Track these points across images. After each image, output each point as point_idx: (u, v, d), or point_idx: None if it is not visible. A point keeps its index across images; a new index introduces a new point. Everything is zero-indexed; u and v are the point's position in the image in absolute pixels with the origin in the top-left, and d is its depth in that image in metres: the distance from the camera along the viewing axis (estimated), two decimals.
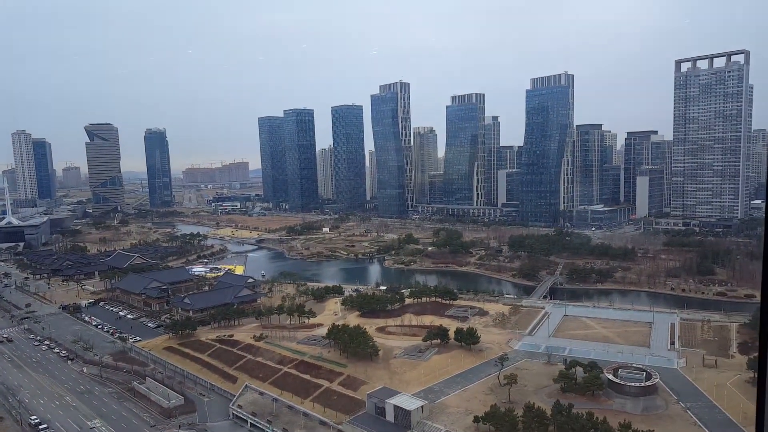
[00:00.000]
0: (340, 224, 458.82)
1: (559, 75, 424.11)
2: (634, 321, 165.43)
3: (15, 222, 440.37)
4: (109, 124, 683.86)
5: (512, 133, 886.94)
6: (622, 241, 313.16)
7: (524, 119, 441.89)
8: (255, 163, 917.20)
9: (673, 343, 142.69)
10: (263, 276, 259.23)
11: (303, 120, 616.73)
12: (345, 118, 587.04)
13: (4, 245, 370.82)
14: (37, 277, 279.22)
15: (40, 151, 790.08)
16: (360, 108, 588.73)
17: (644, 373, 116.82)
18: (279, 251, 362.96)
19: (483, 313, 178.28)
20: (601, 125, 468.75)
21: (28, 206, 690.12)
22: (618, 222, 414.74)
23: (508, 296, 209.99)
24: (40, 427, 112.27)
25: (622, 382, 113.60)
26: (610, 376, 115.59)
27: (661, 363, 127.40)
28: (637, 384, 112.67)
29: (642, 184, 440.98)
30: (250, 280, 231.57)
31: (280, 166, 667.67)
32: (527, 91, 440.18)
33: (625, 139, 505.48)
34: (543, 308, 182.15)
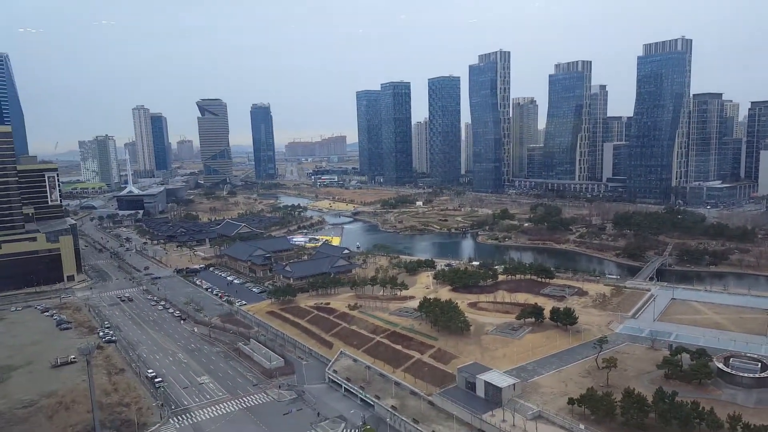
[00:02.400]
0: (434, 198, 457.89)
1: (675, 40, 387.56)
2: (751, 307, 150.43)
3: (135, 191, 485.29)
4: (219, 99, 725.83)
5: (621, 104, 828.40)
6: (741, 220, 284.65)
7: (634, 88, 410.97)
8: (352, 136, 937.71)
9: None
10: (358, 247, 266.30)
11: (399, 93, 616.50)
12: (441, 90, 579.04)
13: (126, 212, 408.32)
14: (155, 242, 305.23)
15: (157, 125, 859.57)
16: (457, 79, 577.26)
17: (759, 363, 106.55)
18: (373, 224, 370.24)
19: (582, 293, 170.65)
20: (721, 94, 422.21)
21: (146, 177, 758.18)
22: (737, 200, 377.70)
23: (610, 276, 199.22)
24: (156, 380, 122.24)
25: (733, 372, 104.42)
26: (721, 365, 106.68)
27: None
28: (751, 375, 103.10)
29: (766, 158, 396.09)
30: (346, 251, 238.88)
31: (376, 139, 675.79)
32: (639, 58, 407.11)
33: (749, 109, 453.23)
34: (648, 290, 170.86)
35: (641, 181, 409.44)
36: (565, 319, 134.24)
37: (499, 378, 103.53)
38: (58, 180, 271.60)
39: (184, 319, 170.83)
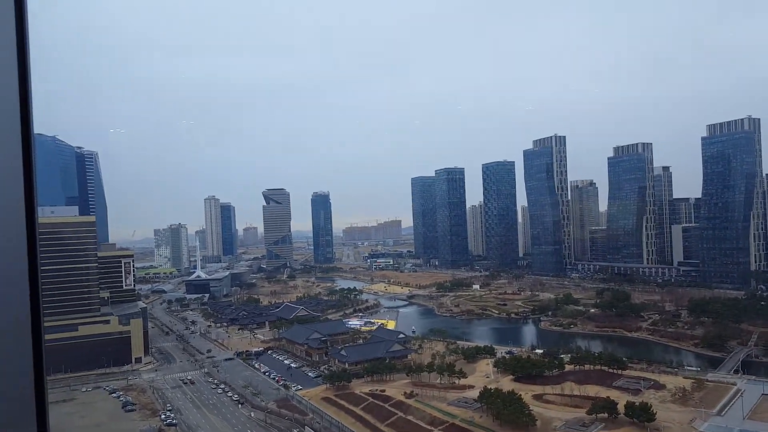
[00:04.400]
0: (491, 281, 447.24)
1: (741, 120, 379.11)
2: None
3: (203, 276, 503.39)
4: (282, 189, 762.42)
5: (687, 185, 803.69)
6: None
7: (700, 169, 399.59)
8: (407, 221, 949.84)
9: None
10: (414, 332, 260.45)
11: (453, 178, 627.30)
12: (496, 174, 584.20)
13: (193, 296, 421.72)
14: (218, 325, 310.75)
15: (226, 213, 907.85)
16: (512, 164, 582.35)
17: None
18: (429, 307, 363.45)
19: (659, 386, 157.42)
20: None
21: (213, 261, 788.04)
22: None
23: (689, 368, 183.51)
24: None
25: None
26: None
27: None
28: None
29: None
30: (401, 335, 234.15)
31: (430, 223, 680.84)
32: (703, 139, 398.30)
33: None
34: (734, 384, 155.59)
35: (716, 264, 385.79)
36: (642, 415, 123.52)
37: None
38: (133, 266, 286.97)
39: (241, 403, 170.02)
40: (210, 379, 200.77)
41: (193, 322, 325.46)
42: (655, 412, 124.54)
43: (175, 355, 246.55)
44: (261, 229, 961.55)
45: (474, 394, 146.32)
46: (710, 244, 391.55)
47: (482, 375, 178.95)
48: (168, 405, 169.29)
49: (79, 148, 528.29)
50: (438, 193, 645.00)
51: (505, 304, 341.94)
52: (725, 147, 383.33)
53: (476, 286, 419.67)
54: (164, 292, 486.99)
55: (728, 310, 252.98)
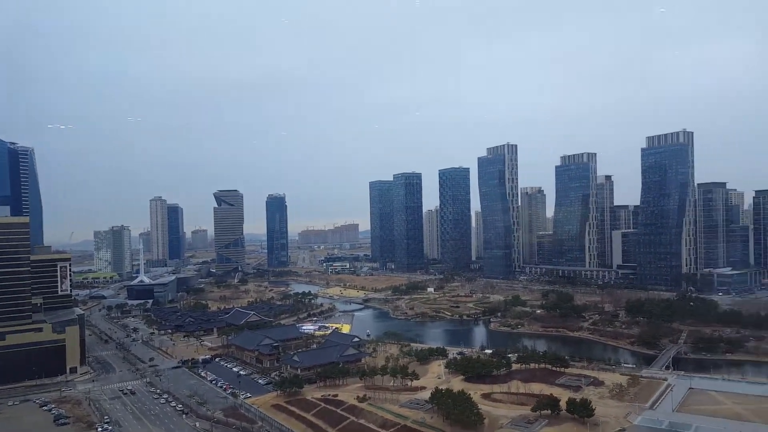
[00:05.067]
0: (445, 284, 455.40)
1: (677, 133, 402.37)
2: None
3: (146, 281, 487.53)
4: (236, 190, 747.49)
5: (626, 193, 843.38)
6: (755, 307, 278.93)
7: (639, 178, 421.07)
8: (364, 224, 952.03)
9: None
10: (368, 335, 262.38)
11: (411, 183, 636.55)
12: (452, 180, 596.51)
13: (135, 302, 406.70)
14: (162, 332, 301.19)
15: (173, 215, 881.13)
16: (467, 170, 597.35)
17: None
18: (384, 311, 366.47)
19: (598, 383, 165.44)
20: (725, 183, 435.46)
21: (159, 266, 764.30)
22: (748, 286, 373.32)
23: (625, 365, 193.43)
24: None
25: None
26: None
27: None
28: None
29: None
30: (356, 339, 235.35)
31: (387, 227, 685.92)
32: (643, 150, 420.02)
33: (753, 197, 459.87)
34: (665, 380, 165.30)
35: (652, 268, 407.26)
36: (582, 411, 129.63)
37: None
38: (70, 270, 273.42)
39: (186, 414, 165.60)
40: (152, 389, 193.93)
41: (135, 330, 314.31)
42: (594, 407, 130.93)
43: (114, 365, 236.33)
44: (211, 232, 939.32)
45: (426, 395, 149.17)
46: (646, 249, 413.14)
47: (434, 376, 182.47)
48: (106, 417, 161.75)
49: (13, 143, 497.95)
50: (395, 198, 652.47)
51: (457, 306, 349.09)
52: (662, 158, 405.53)
53: (431, 289, 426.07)
54: (104, 297, 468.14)
55: (661, 311, 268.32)
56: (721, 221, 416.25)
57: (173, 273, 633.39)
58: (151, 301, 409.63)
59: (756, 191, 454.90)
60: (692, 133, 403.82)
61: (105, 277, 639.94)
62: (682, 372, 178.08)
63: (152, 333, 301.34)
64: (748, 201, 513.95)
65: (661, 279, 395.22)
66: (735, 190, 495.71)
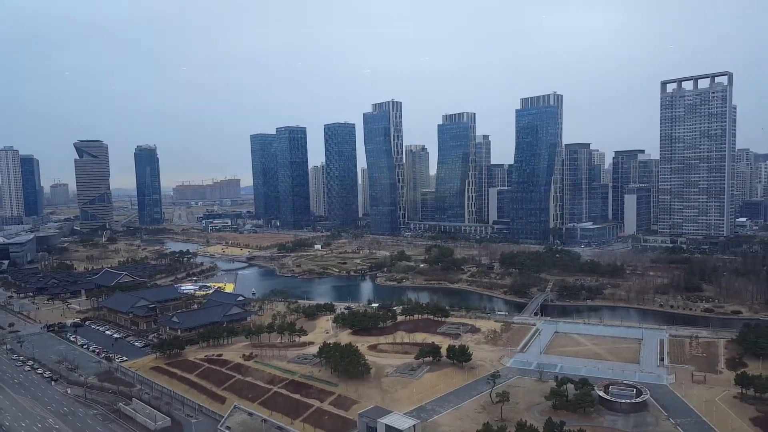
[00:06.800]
0: (332, 241, 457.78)
1: (548, 95, 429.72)
2: (624, 337, 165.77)
3: (0, 239, 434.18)
4: (99, 141, 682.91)
5: (503, 152, 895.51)
6: (611, 258, 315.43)
7: (514, 138, 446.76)
8: (247, 180, 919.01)
9: (662, 360, 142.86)
10: (253, 294, 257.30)
11: (295, 137, 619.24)
12: (337, 136, 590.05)
13: None
14: (22, 296, 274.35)
15: (27, 167, 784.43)
16: (353, 126, 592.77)
17: (634, 389, 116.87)
18: (270, 269, 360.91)
19: (475, 330, 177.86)
20: (589, 144, 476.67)
21: (14, 223, 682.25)
22: (607, 239, 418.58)
23: (499, 313, 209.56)
24: None
25: (612, 399, 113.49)
26: (601, 393, 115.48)
27: (650, 379, 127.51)
28: (628, 401, 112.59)
29: (630, 202, 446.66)
30: (240, 298, 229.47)
31: (272, 183, 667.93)
32: (517, 111, 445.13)
33: (613, 158, 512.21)
34: (534, 325, 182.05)
35: (523, 223, 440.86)
36: (460, 356, 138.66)
37: (399, 420, 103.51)
38: None
39: (55, 380, 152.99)
40: (14, 357, 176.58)
41: None
42: (471, 353, 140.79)
43: None
44: (73, 186, 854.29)
45: (314, 350, 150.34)
46: (518, 205, 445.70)
47: (322, 331, 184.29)
48: None
49: None
50: (279, 152, 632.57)
51: (345, 263, 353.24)
52: (534, 119, 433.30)
53: (318, 246, 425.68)
54: None
55: (531, 262, 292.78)
56: (585, 179, 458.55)
57: (31, 231, 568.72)
58: (7, 261, 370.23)
59: (616, 152, 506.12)
60: (561, 96, 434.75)
61: None
62: (549, 317, 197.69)
63: (10, 297, 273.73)
64: (608, 161, 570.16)
65: (531, 233, 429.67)
66: (597, 150, 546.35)
